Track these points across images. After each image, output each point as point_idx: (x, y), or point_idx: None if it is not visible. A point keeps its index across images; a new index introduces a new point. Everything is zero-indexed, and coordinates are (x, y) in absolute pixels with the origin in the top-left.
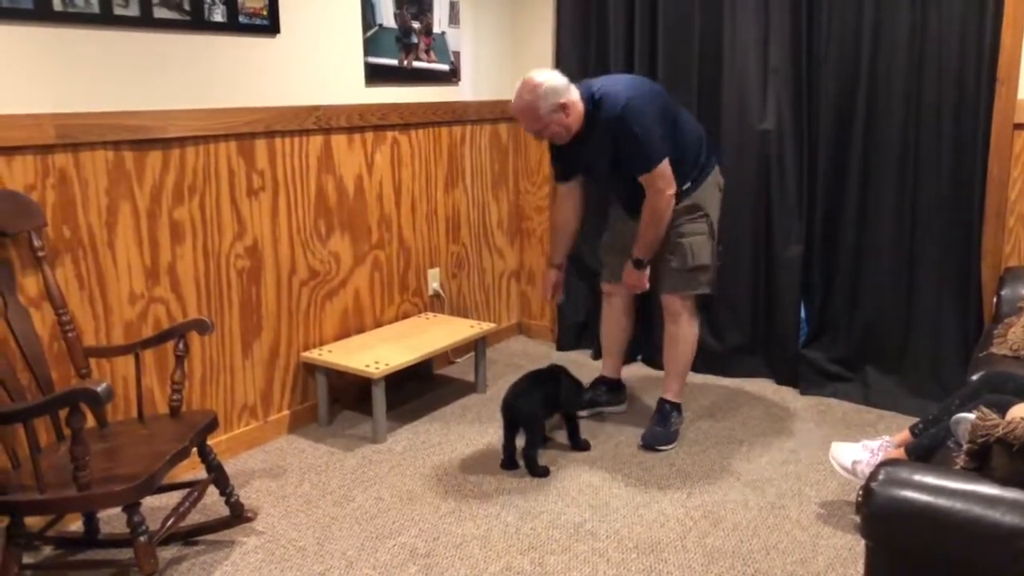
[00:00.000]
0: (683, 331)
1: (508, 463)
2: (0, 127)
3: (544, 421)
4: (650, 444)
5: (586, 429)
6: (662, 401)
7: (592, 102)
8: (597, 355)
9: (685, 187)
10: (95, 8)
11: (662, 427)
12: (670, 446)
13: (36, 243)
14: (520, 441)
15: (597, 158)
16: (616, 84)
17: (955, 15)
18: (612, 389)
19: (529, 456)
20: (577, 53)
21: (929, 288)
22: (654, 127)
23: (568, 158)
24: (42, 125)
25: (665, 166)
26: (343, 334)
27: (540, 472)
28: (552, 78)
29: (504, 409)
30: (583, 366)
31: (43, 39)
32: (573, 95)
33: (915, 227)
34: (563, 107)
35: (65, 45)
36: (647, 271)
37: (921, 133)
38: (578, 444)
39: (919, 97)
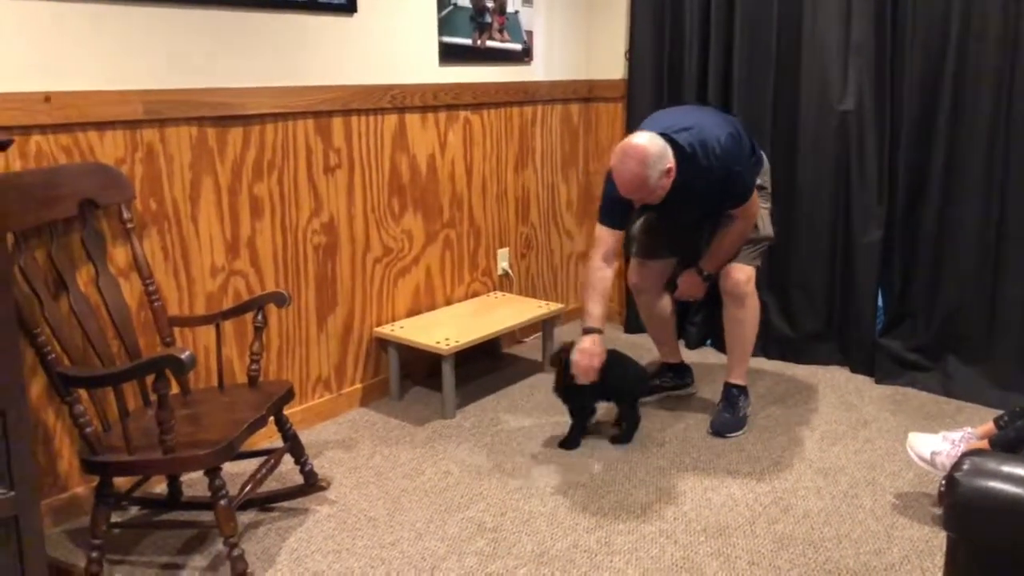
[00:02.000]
0: (749, 313)
1: (575, 442)
2: (92, 103)
3: (594, 409)
4: (719, 431)
5: (653, 414)
6: (728, 385)
7: (684, 155)
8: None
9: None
10: None
11: (730, 413)
12: (739, 432)
13: (125, 215)
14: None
15: (690, 203)
16: (699, 127)
17: None
18: (678, 372)
19: (629, 423)
20: (651, 34)
21: (1016, 276)
22: (747, 157)
23: (641, 210)
24: (130, 101)
25: (755, 195)
26: (414, 311)
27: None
28: (653, 142)
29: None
30: (650, 350)
31: (132, 18)
32: (670, 156)
33: (1003, 212)
34: (668, 172)
35: (153, 23)
36: (707, 284)
37: (1012, 116)
38: (617, 437)
39: (1011, 78)
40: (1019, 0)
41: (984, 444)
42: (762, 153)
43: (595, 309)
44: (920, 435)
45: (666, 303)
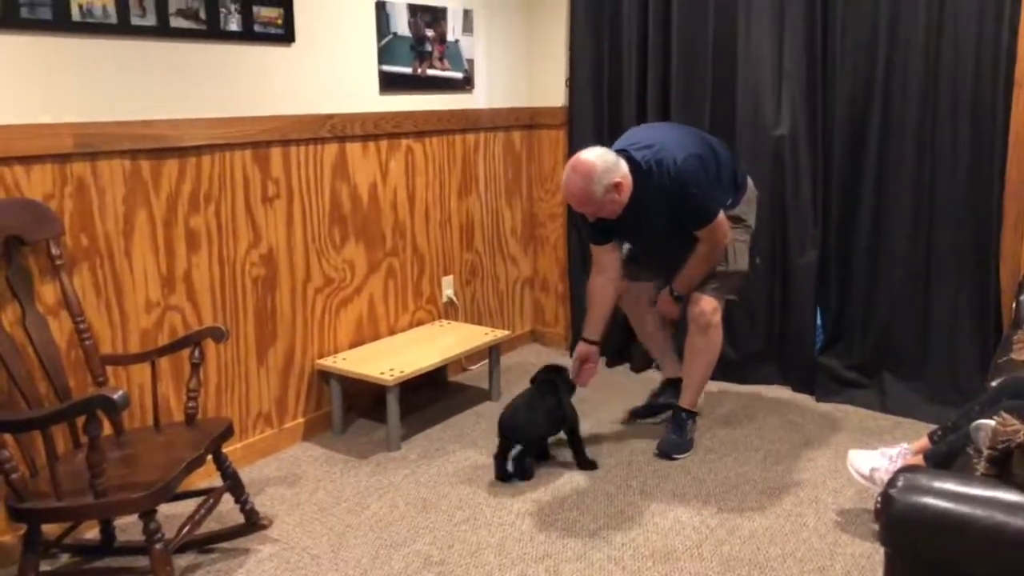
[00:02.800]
0: (711, 342)
1: (503, 474)
2: (19, 137)
3: (547, 440)
4: (666, 452)
5: (596, 438)
6: (678, 409)
7: (641, 172)
8: (611, 362)
9: (728, 204)
10: (112, 18)
11: (678, 435)
12: (686, 454)
13: (54, 251)
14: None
15: (649, 220)
16: (660, 146)
17: (971, 18)
18: (679, 388)
19: (520, 458)
20: (591, 61)
21: (946, 294)
22: (708, 181)
23: (608, 225)
24: (60, 134)
25: (722, 216)
26: (357, 341)
27: (528, 471)
28: (602, 157)
29: (505, 430)
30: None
31: (61, 49)
32: (623, 170)
33: (931, 233)
34: (616, 186)
35: (83, 55)
36: (681, 304)
37: (937, 137)
38: (584, 463)
39: (935, 101)
40: (941, 26)
41: (919, 459)
42: (749, 185)
43: (589, 319)
44: (860, 452)
45: (654, 321)
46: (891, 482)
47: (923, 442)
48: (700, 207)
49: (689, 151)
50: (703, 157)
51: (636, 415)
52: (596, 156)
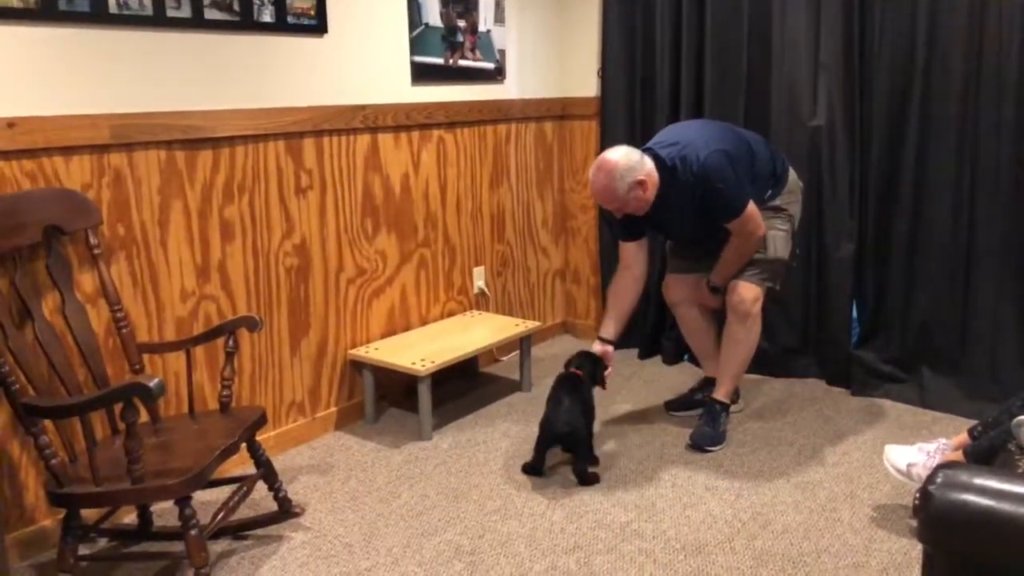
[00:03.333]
0: (750, 333)
1: (536, 470)
2: (58, 128)
3: (592, 432)
4: (698, 444)
5: (628, 430)
6: (712, 401)
7: (666, 169)
8: (643, 355)
9: (767, 196)
10: (148, 10)
11: (711, 427)
12: (718, 447)
13: (92, 241)
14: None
15: (679, 215)
16: (687, 142)
17: (1016, 6)
18: None
19: (581, 470)
20: (623, 51)
21: (987, 287)
22: (735, 175)
23: (638, 221)
24: (98, 125)
25: (753, 208)
26: (389, 332)
27: (592, 479)
28: (626, 156)
29: (548, 428)
30: (628, 366)
31: (98, 41)
32: (647, 167)
33: (972, 225)
34: (640, 184)
35: (119, 46)
36: (721, 296)
37: (979, 128)
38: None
39: (977, 90)
40: (983, 17)
41: (958, 455)
42: (792, 176)
43: (606, 316)
44: (896, 447)
45: (701, 316)
46: (930, 478)
47: (962, 437)
48: (727, 201)
49: (714, 147)
50: (730, 152)
51: (670, 407)
52: (620, 155)
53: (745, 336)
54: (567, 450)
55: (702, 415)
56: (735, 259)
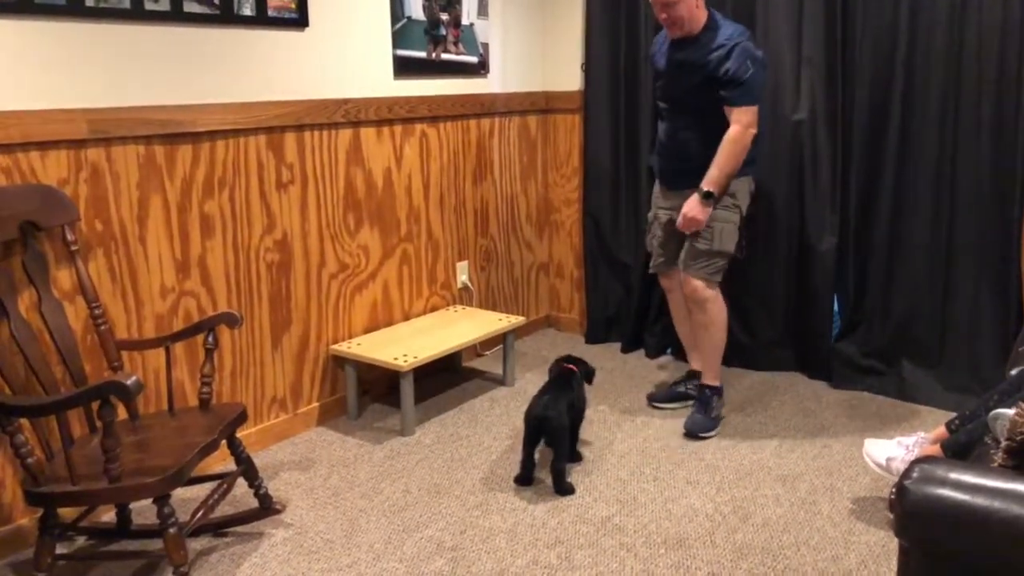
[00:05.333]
0: (712, 316)
1: (525, 479)
2: (34, 122)
3: (573, 432)
4: (693, 432)
5: (610, 424)
6: (701, 387)
7: (714, 20)
8: (626, 348)
9: (756, 100)
10: (126, 3)
11: (703, 414)
12: (712, 432)
13: (69, 237)
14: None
15: (688, 73)
16: (738, 28)
17: (996, 0)
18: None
19: (558, 469)
20: (607, 45)
21: (967, 281)
22: (758, 81)
23: (658, 73)
24: (75, 120)
25: (755, 110)
26: (372, 327)
27: (567, 489)
28: None
29: (531, 421)
30: (610, 359)
31: (76, 34)
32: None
33: (953, 219)
34: (698, 4)
35: (97, 40)
36: (710, 208)
37: (960, 122)
38: (574, 456)
39: (957, 85)
40: (965, 6)
41: (937, 448)
42: (752, 174)
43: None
44: (876, 441)
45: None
46: (906, 473)
47: (940, 431)
48: (743, 81)
49: (761, 56)
50: (753, 55)
51: (653, 401)
52: None
53: (709, 320)
54: (548, 444)
55: (695, 403)
56: (729, 149)
